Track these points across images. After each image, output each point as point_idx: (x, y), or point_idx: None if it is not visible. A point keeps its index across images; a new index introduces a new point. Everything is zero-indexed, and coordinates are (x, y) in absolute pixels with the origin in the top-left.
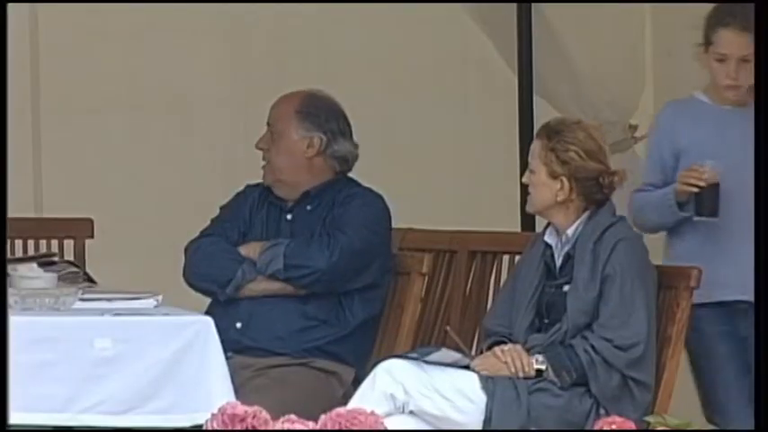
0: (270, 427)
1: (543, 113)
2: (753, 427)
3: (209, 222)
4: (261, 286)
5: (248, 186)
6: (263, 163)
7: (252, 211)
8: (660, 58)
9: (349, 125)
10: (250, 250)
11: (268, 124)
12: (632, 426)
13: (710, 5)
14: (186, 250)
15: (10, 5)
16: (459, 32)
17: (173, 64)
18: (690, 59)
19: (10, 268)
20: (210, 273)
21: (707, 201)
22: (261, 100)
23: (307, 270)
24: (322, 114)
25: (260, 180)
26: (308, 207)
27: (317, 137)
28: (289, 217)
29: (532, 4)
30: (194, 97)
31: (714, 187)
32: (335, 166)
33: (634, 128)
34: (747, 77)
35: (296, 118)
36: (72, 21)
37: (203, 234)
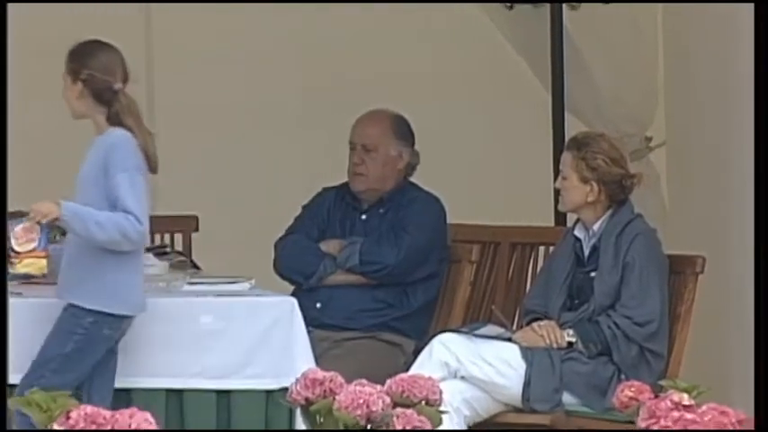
0: (344, 390)
1: (571, 126)
2: None
3: (293, 220)
4: (339, 278)
5: (325, 189)
6: (356, 170)
7: (329, 211)
8: (671, 78)
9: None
10: (330, 247)
11: (353, 143)
12: (648, 389)
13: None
14: (276, 246)
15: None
16: (498, 54)
17: (262, 77)
18: (697, 80)
19: None
20: (297, 267)
21: None
22: (333, 114)
23: (379, 265)
24: (408, 133)
25: (334, 183)
26: (381, 210)
27: (406, 152)
28: (363, 217)
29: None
30: (279, 110)
31: None
32: (405, 174)
33: (649, 139)
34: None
35: (391, 136)
36: (180, 37)
37: (289, 232)
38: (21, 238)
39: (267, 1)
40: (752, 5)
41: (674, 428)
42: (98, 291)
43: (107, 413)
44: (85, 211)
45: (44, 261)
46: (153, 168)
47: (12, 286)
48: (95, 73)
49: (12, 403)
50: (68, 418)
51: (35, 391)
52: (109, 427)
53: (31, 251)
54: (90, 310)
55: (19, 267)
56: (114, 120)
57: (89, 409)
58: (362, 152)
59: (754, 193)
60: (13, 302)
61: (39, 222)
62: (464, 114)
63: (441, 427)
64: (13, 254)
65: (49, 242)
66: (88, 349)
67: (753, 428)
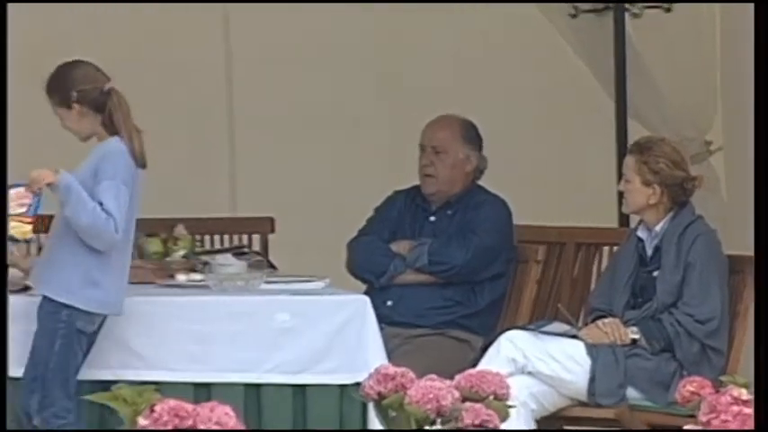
0: (415, 384)
1: (633, 131)
2: None
3: (365, 222)
4: (409, 278)
5: (396, 192)
6: (426, 171)
7: (400, 213)
8: (728, 85)
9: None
10: (400, 247)
11: (423, 145)
12: (709, 384)
13: None
14: (349, 247)
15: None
16: (562, 61)
17: (337, 82)
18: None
19: (209, 258)
20: (368, 266)
21: None
22: (405, 117)
23: (447, 266)
24: (475, 137)
25: (404, 186)
26: (449, 212)
27: (474, 155)
28: (432, 219)
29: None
30: (353, 115)
31: None
32: (473, 177)
33: (709, 143)
34: None
35: (461, 141)
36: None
37: (361, 233)
38: (13, 201)
39: (345, 1)
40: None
41: (734, 422)
42: (70, 285)
43: (189, 407)
44: (79, 189)
45: (29, 227)
46: (141, 164)
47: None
48: (82, 87)
49: (98, 398)
50: (153, 411)
51: (121, 386)
52: (191, 421)
53: (18, 215)
54: (62, 304)
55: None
56: (107, 121)
57: (172, 402)
58: (432, 154)
59: (754, 193)
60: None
61: (35, 191)
62: (530, 119)
63: (508, 421)
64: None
65: (38, 211)
66: (75, 340)
67: None
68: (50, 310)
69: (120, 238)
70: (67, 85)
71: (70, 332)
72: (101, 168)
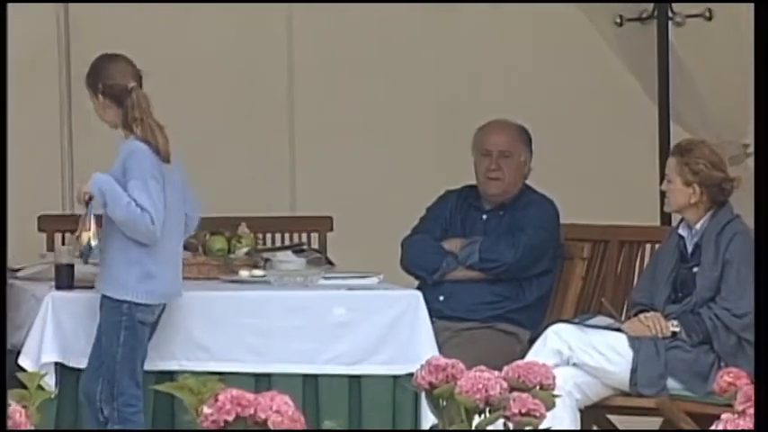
0: (464, 375)
1: (675, 134)
2: None
3: (418, 221)
4: (460, 274)
5: (447, 192)
6: (492, 175)
7: (451, 212)
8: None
9: None
10: (452, 245)
11: (488, 150)
12: (745, 376)
13: None
14: (402, 244)
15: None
16: (609, 68)
17: (391, 89)
18: None
19: (270, 255)
20: (421, 263)
21: None
22: (452, 122)
23: (497, 263)
24: (529, 140)
25: (455, 186)
26: (501, 212)
27: (529, 158)
28: (484, 218)
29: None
30: (407, 120)
31: None
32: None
33: (747, 146)
34: None
35: (521, 144)
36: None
37: (414, 231)
38: (79, 221)
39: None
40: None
41: None
42: (127, 281)
43: (250, 396)
44: (112, 188)
45: (86, 234)
46: (165, 159)
47: None
48: (108, 81)
49: (165, 388)
50: (216, 400)
51: (187, 376)
52: (252, 409)
53: (81, 227)
54: (121, 300)
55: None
56: (125, 119)
57: (234, 392)
58: (499, 158)
59: (755, 194)
60: None
61: (83, 202)
62: (576, 122)
63: (554, 410)
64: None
65: (90, 217)
66: (137, 331)
67: None
68: (111, 305)
69: (161, 228)
70: (97, 76)
71: (132, 324)
72: (128, 167)
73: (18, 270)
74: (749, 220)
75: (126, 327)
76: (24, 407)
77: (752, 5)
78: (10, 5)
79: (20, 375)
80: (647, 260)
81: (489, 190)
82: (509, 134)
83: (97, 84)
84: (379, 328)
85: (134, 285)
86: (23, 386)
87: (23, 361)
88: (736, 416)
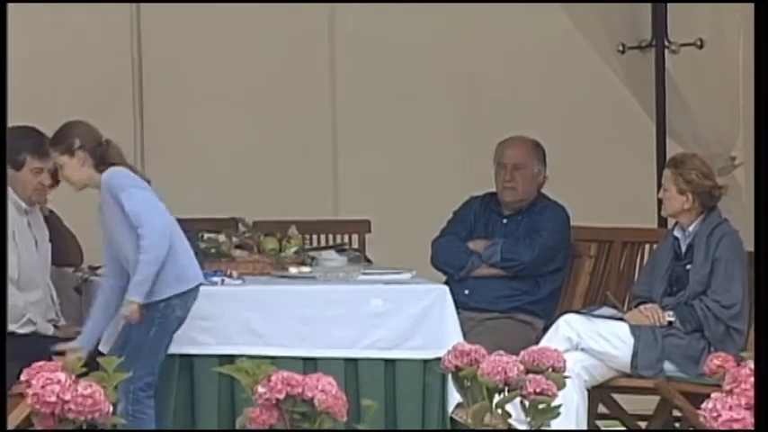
0: (486, 359)
1: (671, 148)
2: None
3: (446, 223)
4: (483, 271)
5: (472, 197)
6: (508, 185)
7: (475, 216)
8: (750, 109)
9: None
10: (476, 245)
11: (503, 163)
12: (732, 359)
13: None
14: (432, 244)
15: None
16: (612, 90)
17: (420, 109)
18: None
19: (316, 254)
20: (449, 261)
21: None
22: (477, 135)
23: (517, 262)
24: (543, 154)
25: (479, 193)
26: (519, 216)
27: (543, 169)
28: (504, 221)
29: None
30: (436, 135)
31: None
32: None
33: (733, 158)
34: None
35: (534, 158)
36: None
37: (443, 233)
38: None
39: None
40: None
41: (751, 390)
42: (165, 281)
43: (299, 377)
44: (138, 288)
45: None
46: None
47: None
48: (84, 136)
49: (225, 369)
50: (269, 381)
51: (243, 359)
52: (300, 389)
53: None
54: (159, 301)
55: None
56: (99, 164)
57: (285, 374)
58: (513, 170)
59: (754, 193)
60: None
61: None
62: (584, 138)
63: (564, 390)
64: None
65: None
66: (168, 326)
67: None
68: (147, 307)
69: (162, 228)
70: (69, 136)
71: (165, 321)
72: (113, 193)
73: (97, 268)
74: (735, 223)
75: (159, 323)
76: (104, 387)
77: (738, 35)
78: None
79: (99, 359)
80: (646, 258)
81: (505, 197)
82: (523, 149)
83: (72, 142)
84: (412, 318)
85: (174, 282)
86: (104, 369)
87: (103, 347)
88: (724, 394)
